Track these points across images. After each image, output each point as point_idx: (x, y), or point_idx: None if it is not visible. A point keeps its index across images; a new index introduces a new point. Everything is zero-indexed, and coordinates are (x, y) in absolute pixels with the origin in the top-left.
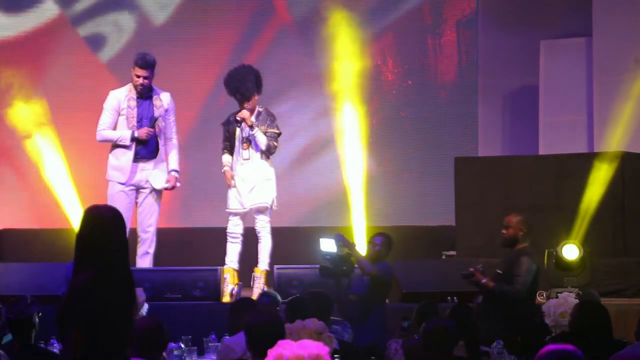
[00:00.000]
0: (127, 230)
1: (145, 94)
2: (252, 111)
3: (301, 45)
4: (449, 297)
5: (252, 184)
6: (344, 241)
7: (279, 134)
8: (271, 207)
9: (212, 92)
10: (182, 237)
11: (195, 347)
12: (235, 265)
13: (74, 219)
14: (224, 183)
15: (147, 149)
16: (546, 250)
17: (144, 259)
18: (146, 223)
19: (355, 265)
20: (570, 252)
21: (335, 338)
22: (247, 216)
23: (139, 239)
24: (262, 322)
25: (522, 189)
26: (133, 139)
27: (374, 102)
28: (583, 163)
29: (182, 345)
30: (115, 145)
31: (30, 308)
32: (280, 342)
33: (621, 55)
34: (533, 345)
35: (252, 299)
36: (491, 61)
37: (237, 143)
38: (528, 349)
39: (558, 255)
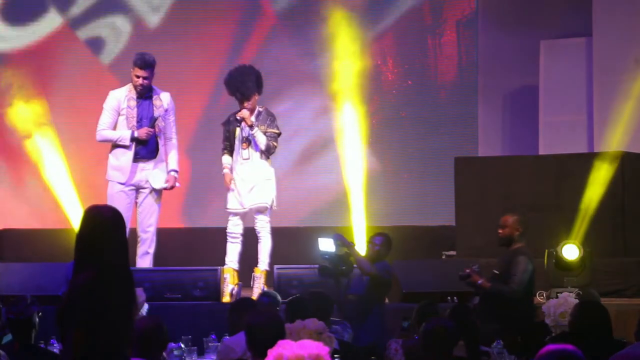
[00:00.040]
0: (127, 230)
1: (145, 94)
2: (252, 111)
3: (301, 45)
4: (449, 297)
5: (251, 184)
6: (343, 241)
7: (279, 134)
8: (271, 207)
9: (211, 92)
10: (182, 237)
11: (195, 347)
12: (235, 265)
13: (74, 219)
14: (224, 183)
15: (146, 149)
16: (546, 250)
17: (144, 259)
18: (146, 223)
19: (354, 265)
20: (570, 252)
21: (335, 338)
22: (247, 216)
23: (139, 239)
24: (262, 322)
25: (522, 189)
26: (133, 139)
27: (374, 102)
28: (583, 163)
29: (182, 345)
30: (115, 145)
31: (30, 308)
32: (280, 342)
33: (621, 55)
34: (533, 345)
35: (252, 299)
36: (491, 61)
37: (237, 143)
38: (528, 349)
39: (558, 255)
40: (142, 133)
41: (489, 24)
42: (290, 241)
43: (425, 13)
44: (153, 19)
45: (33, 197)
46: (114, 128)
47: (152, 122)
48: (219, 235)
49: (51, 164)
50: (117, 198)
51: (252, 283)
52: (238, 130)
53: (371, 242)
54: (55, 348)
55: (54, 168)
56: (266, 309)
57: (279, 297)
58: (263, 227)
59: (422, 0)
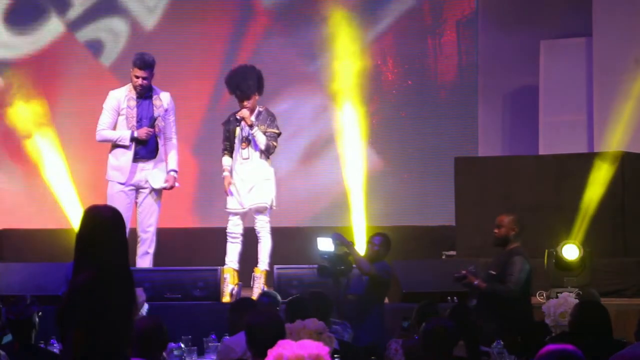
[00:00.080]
0: (127, 230)
1: (144, 94)
2: (252, 111)
3: (301, 45)
4: (449, 297)
5: (251, 184)
6: (342, 240)
7: (279, 134)
8: (271, 207)
9: (211, 92)
10: (182, 237)
11: (195, 347)
12: (235, 265)
13: (74, 219)
14: (223, 183)
15: (146, 149)
16: (546, 250)
17: (144, 259)
18: (146, 223)
19: (353, 265)
20: (570, 252)
21: (335, 338)
22: (247, 216)
23: (138, 239)
24: (262, 322)
25: (522, 189)
26: (132, 139)
27: (374, 102)
28: (583, 163)
29: (182, 345)
30: (115, 145)
31: (30, 308)
32: (280, 342)
33: (621, 55)
34: (533, 345)
35: (252, 299)
36: (491, 61)
37: (236, 142)
38: (528, 349)
39: (558, 255)
40: (142, 133)
41: (489, 24)
42: (290, 241)
43: (425, 13)
44: (149, 21)
45: (33, 197)
46: (114, 128)
47: (152, 122)
48: (219, 235)
49: (51, 164)
50: (117, 198)
51: (252, 283)
52: (238, 129)
53: (370, 242)
54: (55, 348)
55: (54, 168)
56: (266, 309)
57: (279, 297)
58: (263, 227)
59: (422, 0)
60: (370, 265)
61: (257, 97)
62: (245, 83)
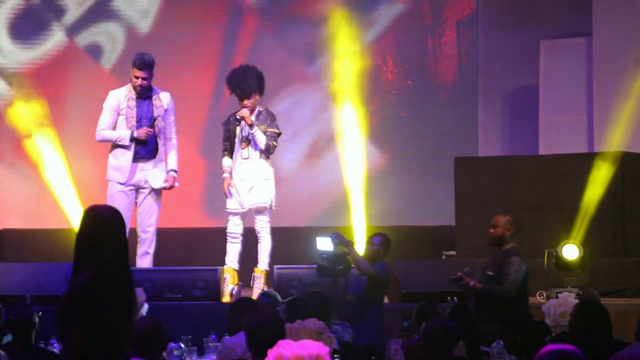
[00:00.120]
0: (127, 230)
1: (144, 94)
2: (252, 111)
3: (301, 45)
4: (449, 297)
5: (251, 184)
6: (341, 239)
7: (279, 134)
8: (270, 207)
9: (211, 93)
10: (182, 237)
11: (195, 347)
12: (235, 265)
13: (74, 219)
14: (223, 185)
15: (146, 149)
16: (546, 250)
17: (144, 259)
18: (146, 223)
19: (352, 265)
20: (570, 252)
21: (335, 338)
22: (247, 216)
23: (138, 239)
24: (262, 322)
25: (522, 189)
26: (132, 139)
27: (374, 102)
28: (583, 163)
29: (182, 345)
30: (115, 146)
31: (30, 308)
32: (280, 342)
33: (621, 55)
34: (533, 345)
35: (252, 299)
36: (491, 61)
37: (236, 142)
38: (528, 349)
39: (558, 255)
40: (142, 133)
41: (489, 24)
42: (290, 241)
43: (425, 13)
44: (144, 24)
45: (33, 197)
46: (114, 128)
47: (152, 122)
48: (219, 235)
49: (51, 164)
50: (117, 198)
51: (252, 283)
52: (238, 129)
53: (370, 242)
54: (55, 348)
55: (54, 168)
56: (266, 309)
57: (279, 297)
58: (263, 227)
59: (422, 0)
60: (369, 265)
61: (257, 97)
62: (245, 82)
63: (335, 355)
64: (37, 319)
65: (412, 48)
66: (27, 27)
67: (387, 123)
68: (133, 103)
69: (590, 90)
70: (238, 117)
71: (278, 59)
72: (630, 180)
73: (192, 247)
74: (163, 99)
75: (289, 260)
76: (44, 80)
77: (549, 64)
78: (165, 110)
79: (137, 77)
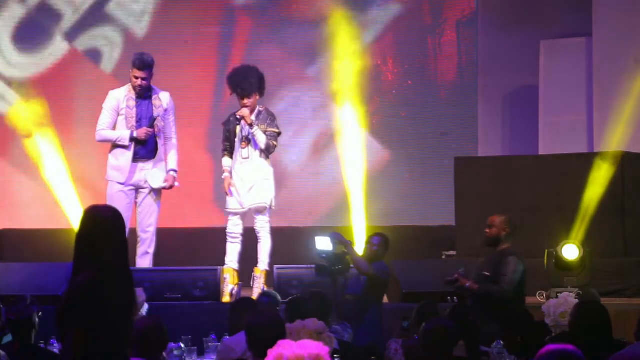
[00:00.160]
0: (127, 230)
1: (144, 94)
2: (252, 110)
3: (301, 45)
4: (449, 297)
5: (250, 184)
6: (340, 239)
7: (279, 134)
8: (270, 207)
9: (210, 94)
10: (182, 237)
11: (195, 347)
12: (235, 265)
13: (74, 219)
14: (223, 183)
15: (146, 149)
16: (546, 250)
17: (144, 259)
18: (146, 223)
19: (351, 265)
20: (570, 252)
21: (335, 338)
22: (246, 216)
23: (138, 239)
24: (262, 322)
25: (522, 189)
26: (132, 139)
27: (374, 102)
28: (583, 163)
29: (182, 345)
30: (115, 146)
31: (30, 308)
32: (280, 342)
33: (621, 55)
34: (533, 345)
35: (252, 299)
36: (491, 61)
37: (236, 142)
38: (528, 349)
39: (558, 255)
40: (141, 133)
41: (489, 24)
42: (290, 241)
43: (425, 13)
44: (139, 28)
45: (33, 197)
46: (114, 128)
47: (151, 122)
48: (219, 235)
49: (51, 164)
50: (117, 198)
51: (252, 283)
52: (238, 129)
53: (369, 242)
54: (55, 348)
55: (54, 168)
56: (266, 309)
57: (279, 297)
58: (263, 227)
59: (422, 0)
60: (368, 265)
61: (257, 97)
62: (246, 81)
63: (335, 355)
64: (37, 319)
65: (412, 48)
66: (28, 35)
67: (387, 123)
68: (133, 103)
69: (590, 90)
70: (238, 116)
71: (277, 60)
72: (630, 180)
73: (192, 247)
74: (163, 99)
75: (289, 260)
76: (48, 86)
77: (549, 64)
78: (165, 110)
79: (136, 77)
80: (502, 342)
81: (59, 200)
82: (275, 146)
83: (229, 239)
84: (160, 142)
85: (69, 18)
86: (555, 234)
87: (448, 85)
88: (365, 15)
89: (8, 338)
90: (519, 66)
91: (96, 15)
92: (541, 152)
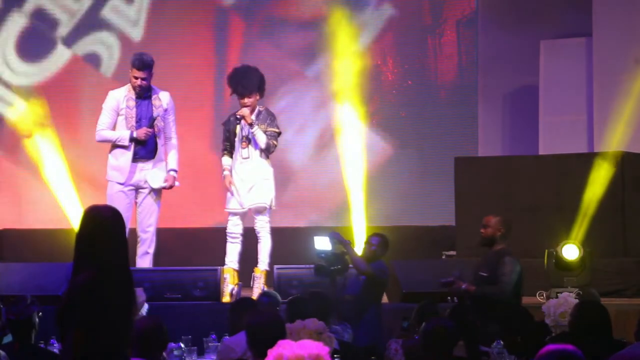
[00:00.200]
0: (127, 230)
1: (144, 94)
2: (252, 110)
3: (301, 45)
4: (448, 297)
5: (250, 184)
6: (339, 239)
7: (279, 134)
8: (270, 207)
9: (209, 95)
10: (182, 237)
11: (195, 347)
12: (235, 265)
13: (74, 219)
14: (223, 183)
15: (146, 149)
16: (546, 250)
17: (144, 259)
18: (146, 223)
19: (350, 265)
20: (570, 252)
21: (335, 338)
22: (246, 216)
23: (138, 239)
24: (262, 322)
25: (522, 189)
26: (132, 139)
27: (374, 102)
28: (583, 163)
29: (182, 345)
30: (115, 146)
31: (30, 308)
32: (280, 342)
33: (621, 55)
34: (533, 345)
35: (252, 299)
36: (491, 61)
37: (236, 141)
38: (528, 349)
39: (558, 255)
40: (141, 133)
41: (489, 24)
42: (290, 241)
43: (425, 13)
44: (135, 33)
45: (33, 197)
46: (114, 128)
47: (151, 122)
48: (219, 235)
49: (51, 164)
50: (117, 198)
51: (252, 283)
52: (238, 128)
53: (368, 242)
54: (55, 348)
55: (54, 168)
56: (266, 309)
57: (279, 297)
58: (263, 227)
59: (422, 0)
60: (367, 265)
61: (257, 97)
62: (246, 80)
63: (335, 355)
64: (37, 319)
65: (412, 48)
66: (30, 43)
67: (387, 123)
68: (132, 103)
69: (590, 90)
70: (238, 116)
71: (276, 60)
72: (630, 180)
73: (192, 247)
74: (162, 99)
75: (289, 260)
76: (50, 91)
77: (549, 64)
78: (165, 110)
79: (136, 78)
80: (502, 342)
81: (59, 200)
82: (276, 146)
83: (229, 239)
84: (160, 142)
85: (66, 24)
86: (555, 234)
87: (448, 85)
88: (364, 15)
89: (8, 338)
90: (519, 66)
91: (92, 21)
92: (541, 152)
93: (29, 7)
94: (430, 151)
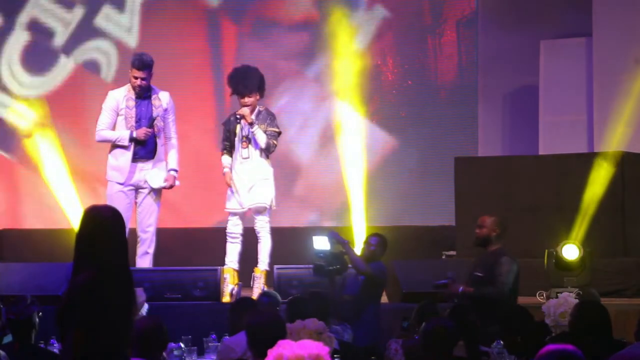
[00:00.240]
0: (127, 230)
1: (143, 94)
2: (252, 110)
3: (301, 44)
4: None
5: (250, 184)
6: (338, 238)
7: (279, 133)
8: (270, 207)
9: (209, 95)
10: (182, 237)
11: (195, 347)
12: (235, 265)
13: (74, 219)
14: (223, 183)
15: (145, 149)
16: (546, 250)
17: (144, 259)
18: (145, 223)
19: (349, 265)
20: (570, 252)
21: (335, 338)
22: (246, 216)
23: (138, 239)
24: (262, 322)
25: (522, 189)
26: (131, 139)
27: (374, 102)
28: (583, 163)
29: (182, 345)
30: (114, 146)
31: (30, 308)
32: (280, 342)
33: (621, 55)
34: (533, 345)
35: (252, 299)
36: (491, 61)
37: (237, 141)
38: (528, 349)
39: (558, 255)
40: (141, 133)
41: (489, 24)
42: (290, 241)
43: (425, 13)
44: (130, 40)
45: (33, 197)
46: (113, 128)
47: (151, 122)
48: (219, 235)
49: (51, 164)
50: (117, 198)
51: (252, 283)
52: (238, 128)
53: (367, 242)
54: (55, 348)
55: (54, 168)
56: (266, 309)
57: (279, 297)
58: (263, 227)
59: (422, 0)
60: (366, 265)
61: (257, 97)
62: (247, 79)
63: (335, 355)
64: (37, 319)
65: (412, 48)
66: (34, 57)
67: (387, 123)
68: (132, 103)
69: (590, 90)
70: (238, 115)
71: (278, 59)
72: (630, 180)
73: (192, 247)
74: (162, 99)
75: (289, 260)
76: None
77: (549, 64)
78: (165, 110)
79: (135, 78)
80: (502, 342)
81: (59, 200)
82: (276, 145)
83: (228, 239)
84: (159, 142)
85: (61, 34)
86: (555, 234)
87: (448, 85)
88: (365, 15)
89: (8, 338)
90: (519, 66)
91: (87, 30)
92: (541, 152)
93: (23, 19)
94: (430, 151)
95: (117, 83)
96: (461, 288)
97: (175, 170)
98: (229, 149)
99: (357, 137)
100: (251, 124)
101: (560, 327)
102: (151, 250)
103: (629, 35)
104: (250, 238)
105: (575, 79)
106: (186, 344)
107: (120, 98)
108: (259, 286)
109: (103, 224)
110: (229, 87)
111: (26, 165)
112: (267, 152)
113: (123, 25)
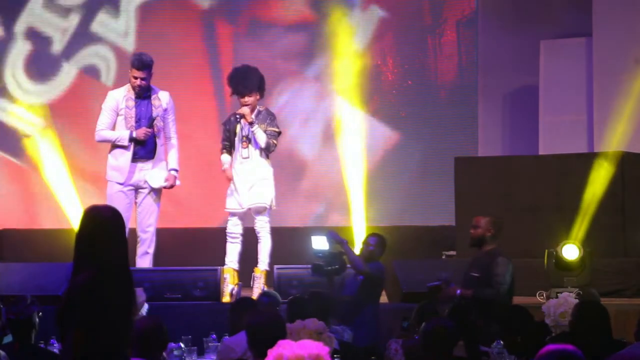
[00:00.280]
0: (127, 230)
1: (143, 94)
2: (252, 110)
3: (301, 44)
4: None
5: (250, 184)
6: (337, 238)
7: (279, 133)
8: (270, 207)
9: (208, 98)
10: (182, 237)
11: (195, 347)
12: (235, 265)
13: (74, 219)
14: (223, 183)
15: (145, 149)
16: (546, 250)
17: (144, 259)
18: (145, 223)
19: (348, 265)
20: (570, 252)
21: (335, 338)
22: (246, 216)
23: (138, 239)
24: (262, 322)
25: (522, 189)
26: (131, 139)
27: (374, 102)
28: (583, 163)
29: (182, 345)
30: (114, 146)
31: (30, 308)
32: (280, 342)
33: (621, 55)
34: (533, 345)
35: (252, 299)
36: (491, 61)
37: (237, 141)
38: (528, 349)
39: (558, 255)
40: (141, 133)
41: (489, 24)
42: (290, 241)
43: (425, 13)
44: (127, 44)
45: (33, 197)
46: (113, 128)
47: (150, 122)
48: (219, 235)
49: (51, 164)
50: (117, 198)
51: (252, 283)
52: (238, 127)
53: (366, 242)
54: (55, 348)
55: (54, 168)
56: (266, 309)
57: (279, 297)
58: (263, 227)
59: (422, 0)
60: (364, 264)
61: (257, 97)
62: (247, 79)
63: (335, 355)
64: (37, 319)
65: (412, 48)
66: (36, 64)
67: (387, 123)
68: (132, 103)
69: (590, 90)
70: (238, 115)
71: (278, 59)
72: (630, 180)
73: (192, 247)
74: (162, 99)
75: (289, 260)
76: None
77: (549, 64)
78: (165, 110)
79: (135, 78)
80: (502, 342)
81: (59, 200)
82: (276, 145)
83: (228, 239)
84: (159, 142)
85: (59, 41)
86: (555, 234)
87: (448, 85)
88: (365, 14)
89: (8, 338)
90: (519, 66)
91: (84, 36)
92: (541, 152)
93: (20, 28)
94: (430, 151)
95: (118, 86)
96: (459, 291)
97: (176, 170)
98: (229, 149)
99: (357, 137)
100: (251, 124)
101: (560, 327)
102: (151, 250)
103: (629, 35)
104: (250, 238)
105: (575, 79)
106: (186, 344)
107: (120, 98)
108: (259, 286)
109: (103, 224)
110: (229, 87)
111: (26, 165)
112: (267, 151)
113: (119, 30)
